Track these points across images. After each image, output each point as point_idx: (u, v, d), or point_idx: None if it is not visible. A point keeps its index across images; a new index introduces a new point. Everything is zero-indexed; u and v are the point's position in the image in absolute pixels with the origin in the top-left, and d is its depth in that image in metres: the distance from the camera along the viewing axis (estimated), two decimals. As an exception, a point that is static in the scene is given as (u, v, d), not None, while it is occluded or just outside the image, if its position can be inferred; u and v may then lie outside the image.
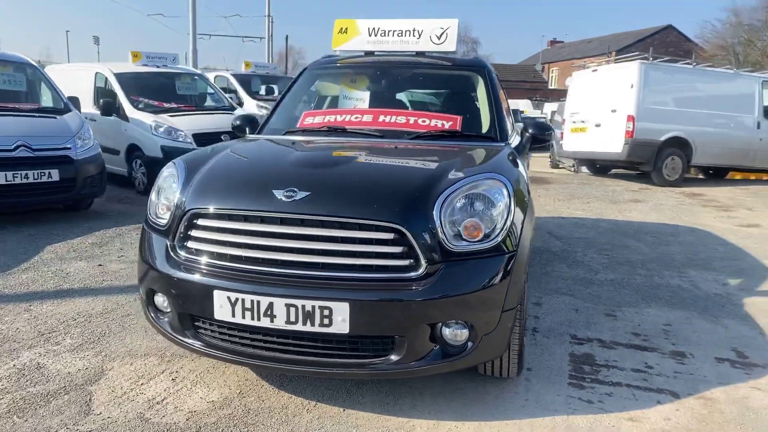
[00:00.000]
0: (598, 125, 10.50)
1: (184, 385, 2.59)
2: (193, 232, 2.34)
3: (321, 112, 3.42)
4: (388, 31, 3.69)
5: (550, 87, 42.85)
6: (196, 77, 9.86)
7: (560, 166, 13.98)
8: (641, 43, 39.56)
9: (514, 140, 3.37)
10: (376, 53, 3.80)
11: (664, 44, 39.60)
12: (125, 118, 8.27)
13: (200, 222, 2.32)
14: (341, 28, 3.78)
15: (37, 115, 6.47)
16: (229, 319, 2.20)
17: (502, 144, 3.11)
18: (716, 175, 12.21)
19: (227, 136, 8.48)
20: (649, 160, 10.02)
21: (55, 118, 6.53)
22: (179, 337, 2.39)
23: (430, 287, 2.13)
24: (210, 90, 9.76)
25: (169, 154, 7.86)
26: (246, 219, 2.24)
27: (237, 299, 2.17)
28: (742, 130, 10.56)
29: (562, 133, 11.67)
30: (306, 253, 2.17)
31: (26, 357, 2.84)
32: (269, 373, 2.65)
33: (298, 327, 2.13)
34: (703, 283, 4.33)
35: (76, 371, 2.70)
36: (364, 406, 2.42)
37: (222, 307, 2.20)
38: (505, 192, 2.35)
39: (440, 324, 2.20)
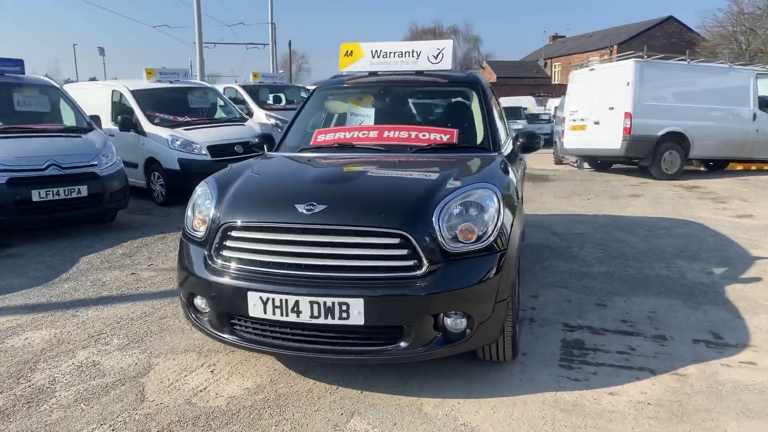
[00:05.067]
0: (596, 123, 10.82)
1: (222, 376, 2.97)
2: (227, 243, 2.73)
3: (331, 129, 3.80)
4: (390, 53, 4.06)
5: (553, 82, 43.08)
6: (207, 91, 10.28)
7: (564, 162, 14.30)
8: (643, 36, 39.71)
9: (507, 148, 3.73)
10: (379, 73, 4.17)
11: (666, 35, 39.74)
12: (142, 132, 8.70)
13: (233, 233, 2.71)
14: (347, 51, 4.16)
15: (63, 135, 6.91)
16: (261, 315, 2.58)
17: (495, 154, 3.47)
18: (716, 166, 12.46)
19: (240, 146, 8.93)
20: (647, 155, 10.33)
21: (80, 137, 6.96)
22: (218, 334, 2.78)
23: (432, 283, 2.50)
24: (221, 102, 10.17)
25: (186, 166, 8.29)
26: (273, 230, 2.63)
27: (268, 298, 2.55)
28: (738, 123, 10.82)
29: (563, 131, 12.00)
30: (325, 257, 2.55)
31: (82, 356, 3.24)
32: (295, 362, 3.03)
33: (321, 320, 2.50)
34: (689, 272, 4.66)
35: (127, 366, 3.09)
36: (378, 388, 2.79)
37: (255, 306, 2.58)
38: (495, 199, 2.72)
39: (442, 314, 2.56)
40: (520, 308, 3.52)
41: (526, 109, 26.35)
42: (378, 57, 4.09)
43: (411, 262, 2.52)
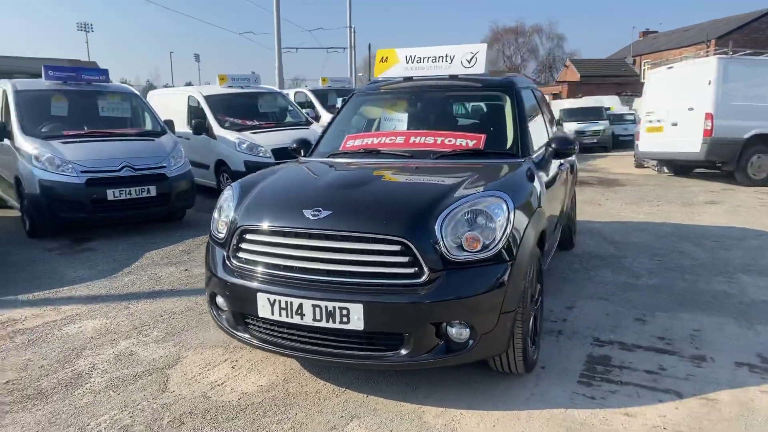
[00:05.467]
0: (674, 124, 10.17)
1: (241, 372, 3.10)
2: (243, 245, 2.85)
3: (360, 135, 3.86)
4: (423, 58, 4.06)
5: (642, 80, 40.77)
6: (276, 95, 10.69)
7: (645, 165, 13.52)
8: (745, 29, 36.72)
9: (540, 153, 3.62)
10: (414, 78, 4.17)
11: (773, 28, 36.45)
12: (213, 136, 9.17)
13: (248, 236, 2.83)
14: (382, 57, 4.19)
15: (138, 138, 7.45)
16: (269, 316, 2.68)
17: (521, 160, 3.38)
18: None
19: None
20: (731, 159, 9.58)
21: (153, 140, 7.47)
22: (234, 332, 2.91)
23: (432, 292, 2.48)
24: (289, 107, 10.53)
25: (251, 168, 8.61)
26: (281, 234, 2.72)
27: (275, 300, 2.64)
28: (842, 124, 9.76)
29: (638, 133, 11.38)
30: (328, 262, 2.60)
31: (123, 345, 3.50)
32: (310, 362, 3.10)
33: (322, 324, 2.56)
34: (752, 289, 4.29)
35: (159, 358, 3.30)
36: (385, 393, 2.81)
37: (264, 307, 2.68)
38: (504, 207, 2.66)
39: (445, 323, 2.54)
40: (543, 319, 3.41)
41: (608, 109, 25.11)
42: (412, 62, 4.09)
43: (412, 270, 2.52)
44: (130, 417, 2.65)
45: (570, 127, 20.68)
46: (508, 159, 3.41)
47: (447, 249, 2.52)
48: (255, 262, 2.79)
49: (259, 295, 2.69)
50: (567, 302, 4.05)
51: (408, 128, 4.02)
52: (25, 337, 3.69)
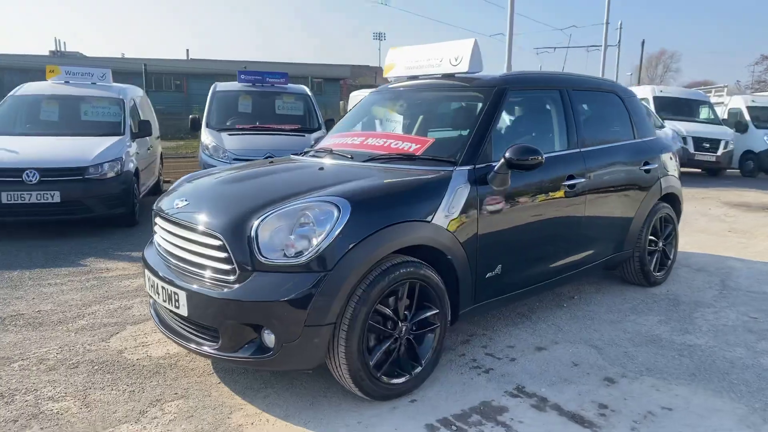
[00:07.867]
0: None
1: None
2: (155, 227, 3.23)
3: (338, 135, 3.87)
4: (420, 57, 3.82)
5: None
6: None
7: None
8: None
9: (492, 164, 3.12)
10: (420, 77, 3.95)
11: None
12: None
13: (155, 219, 3.20)
14: (392, 57, 4.07)
15: (289, 133, 8.45)
16: (150, 293, 3.01)
17: (451, 168, 2.99)
18: None
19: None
20: None
21: (302, 135, 8.38)
22: (150, 304, 3.31)
23: (236, 291, 2.49)
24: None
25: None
26: (159, 217, 3.02)
27: (148, 277, 2.96)
28: None
29: None
30: (178, 248, 2.81)
31: (133, 301, 4.22)
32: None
33: (167, 305, 2.78)
34: (844, 378, 2.94)
35: (136, 315, 3.91)
36: (235, 386, 2.88)
37: (147, 283, 3.02)
38: (335, 214, 2.48)
39: (262, 325, 2.52)
40: (440, 347, 2.99)
41: None
42: (411, 61, 3.88)
43: (227, 267, 2.56)
44: (58, 353, 3.28)
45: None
46: (436, 166, 3.05)
47: (259, 250, 2.49)
48: (150, 242, 3.15)
49: (145, 271, 3.04)
50: (545, 342, 3.40)
51: (402, 129, 3.86)
52: (94, 282, 4.71)
